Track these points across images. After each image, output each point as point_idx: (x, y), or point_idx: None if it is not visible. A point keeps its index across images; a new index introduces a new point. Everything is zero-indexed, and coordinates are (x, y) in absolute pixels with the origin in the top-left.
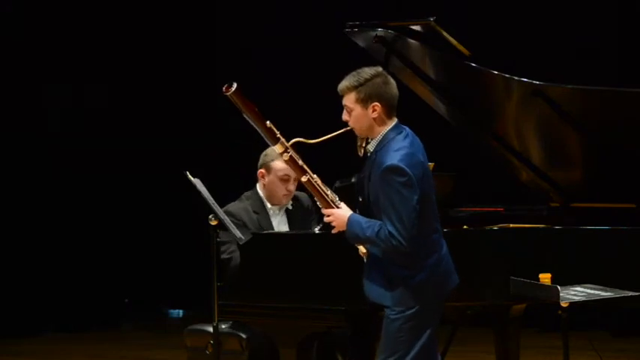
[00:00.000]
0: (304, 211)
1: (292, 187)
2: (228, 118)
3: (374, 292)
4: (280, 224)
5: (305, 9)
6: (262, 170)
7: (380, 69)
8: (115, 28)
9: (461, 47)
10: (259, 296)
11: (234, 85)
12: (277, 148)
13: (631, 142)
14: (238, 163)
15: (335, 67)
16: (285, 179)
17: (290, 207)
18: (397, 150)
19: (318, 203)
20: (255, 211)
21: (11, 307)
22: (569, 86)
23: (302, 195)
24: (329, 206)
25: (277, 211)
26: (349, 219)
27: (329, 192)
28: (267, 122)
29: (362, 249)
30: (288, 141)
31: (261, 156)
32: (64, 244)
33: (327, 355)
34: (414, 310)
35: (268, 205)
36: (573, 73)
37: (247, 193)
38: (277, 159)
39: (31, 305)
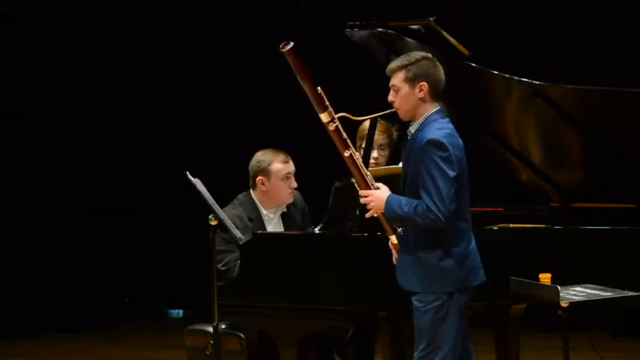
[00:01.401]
0: (299, 212)
1: (294, 183)
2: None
3: (404, 278)
4: (276, 229)
5: (305, 9)
6: (261, 177)
7: (429, 54)
8: (119, 30)
9: (461, 47)
10: (259, 296)
11: (291, 44)
12: (324, 117)
13: (631, 142)
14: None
15: (335, 67)
16: (287, 178)
17: (285, 209)
18: (440, 129)
19: (355, 183)
20: (249, 218)
21: (11, 307)
22: (569, 86)
23: (296, 195)
24: (367, 187)
25: (272, 216)
26: (388, 199)
27: (368, 172)
28: (319, 88)
29: (393, 239)
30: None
31: (254, 163)
32: (64, 245)
33: (326, 355)
34: (442, 300)
35: (264, 211)
36: (573, 73)
37: (241, 198)
38: (274, 161)
39: (31, 305)
